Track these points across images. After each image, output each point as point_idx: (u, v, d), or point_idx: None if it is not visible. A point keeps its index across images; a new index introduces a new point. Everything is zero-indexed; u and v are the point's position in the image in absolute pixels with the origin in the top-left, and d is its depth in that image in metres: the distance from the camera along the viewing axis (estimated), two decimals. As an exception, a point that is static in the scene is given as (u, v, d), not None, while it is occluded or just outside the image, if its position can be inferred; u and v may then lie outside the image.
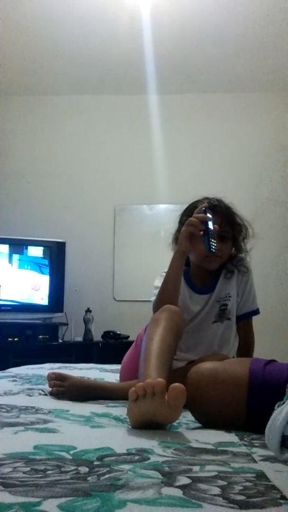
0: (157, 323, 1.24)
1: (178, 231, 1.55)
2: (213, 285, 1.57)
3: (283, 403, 0.63)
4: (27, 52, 3.47)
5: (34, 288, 3.47)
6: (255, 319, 1.62)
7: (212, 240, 1.39)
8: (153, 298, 1.51)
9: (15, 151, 4.02)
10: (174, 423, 1.01)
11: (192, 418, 1.03)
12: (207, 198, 1.57)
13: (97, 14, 3.03)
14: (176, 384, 0.88)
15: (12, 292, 3.41)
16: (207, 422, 0.98)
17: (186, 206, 1.63)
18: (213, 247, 1.39)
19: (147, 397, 0.87)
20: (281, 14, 3.03)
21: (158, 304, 1.40)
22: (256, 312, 1.61)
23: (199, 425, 0.99)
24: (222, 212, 1.53)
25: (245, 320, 1.60)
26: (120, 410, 1.12)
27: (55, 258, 3.53)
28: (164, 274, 1.55)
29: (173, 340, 1.22)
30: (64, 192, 3.95)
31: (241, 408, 0.91)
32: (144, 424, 0.90)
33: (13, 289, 3.41)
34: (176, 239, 1.57)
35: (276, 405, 0.64)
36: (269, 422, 0.62)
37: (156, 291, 1.50)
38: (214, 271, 1.58)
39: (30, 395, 1.31)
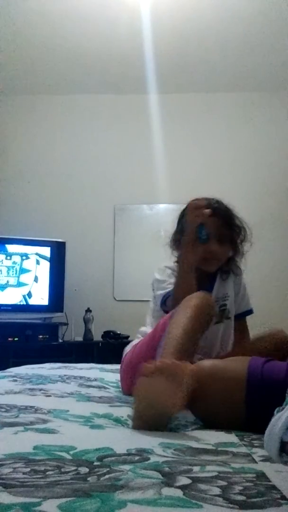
0: (185, 311, 1.22)
1: (177, 232, 1.56)
2: (211, 286, 1.57)
3: (282, 408, 0.63)
4: (26, 51, 3.47)
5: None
6: (256, 318, 1.64)
7: (203, 231, 1.42)
8: (158, 292, 1.50)
9: (15, 150, 4.02)
10: (172, 425, 1.01)
11: (192, 419, 1.03)
12: (206, 199, 1.55)
13: (97, 13, 3.03)
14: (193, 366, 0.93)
15: (12, 292, 3.41)
16: (206, 419, 0.98)
17: (186, 206, 1.62)
18: (204, 236, 1.42)
19: (161, 376, 0.90)
20: (281, 13, 3.03)
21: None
22: (250, 311, 1.63)
23: (199, 425, 0.99)
24: (221, 213, 1.52)
25: (240, 320, 1.61)
26: (121, 410, 1.12)
27: (55, 258, 3.53)
28: (165, 267, 1.56)
29: (198, 331, 1.21)
30: (64, 192, 3.95)
31: (239, 405, 0.92)
32: (147, 405, 0.90)
33: (13, 289, 3.41)
34: (175, 241, 1.57)
35: (276, 411, 0.64)
36: (268, 428, 0.62)
37: (160, 285, 1.50)
38: (211, 273, 1.58)
39: (31, 395, 1.31)
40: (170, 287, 1.49)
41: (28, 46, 3.41)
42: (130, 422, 0.99)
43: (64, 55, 3.51)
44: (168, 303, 1.47)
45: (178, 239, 1.56)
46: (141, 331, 1.60)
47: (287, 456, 0.61)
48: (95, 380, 1.61)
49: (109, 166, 3.97)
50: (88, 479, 0.54)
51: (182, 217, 1.57)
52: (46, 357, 2.87)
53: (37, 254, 3.52)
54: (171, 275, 1.55)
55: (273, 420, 0.62)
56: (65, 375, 1.73)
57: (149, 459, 0.65)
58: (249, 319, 1.68)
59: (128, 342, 1.67)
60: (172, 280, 1.51)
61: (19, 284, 3.45)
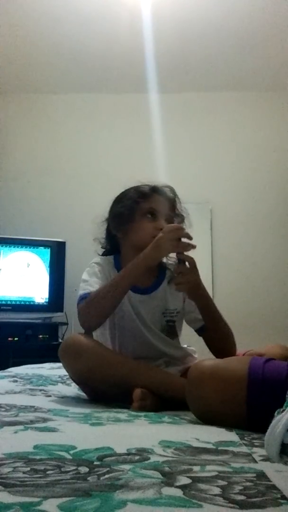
0: None
1: (125, 214, 1.44)
2: (153, 286, 1.44)
3: (283, 410, 0.63)
4: (27, 50, 3.47)
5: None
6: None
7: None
8: (80, 292, 1.38)
9: (15, 150, 4.02)
10: (174, 419, 1.01)
11: (193, 417, 1.03)
12: (147, 185, 1.49)
13: (98, 12, 3.03)
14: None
15: (12, 292, 3.41)
16: (206, 419, 0.98)
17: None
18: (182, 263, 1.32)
19: None
20: (282, 12, 3.03)
21: (90, 313, 1.30)
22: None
23: (199, 423, 0.99)
24: (170, 197, 1.47)
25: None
26: (120, 409, 1.12)
27: (55, 258, 3.53)
28: (95, 265, 1.45)
29: None
30: (64, 191, 3.95)
31: (240, 405, 0.92)
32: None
33: (13, 289, 3.42)
34: (118, 225, 1.46)
35: (276, 412, 0.64)
36: (269, 430, 0.62)
37: (85, 285, 1.38)
38: (152, 270, 1.45)
39: (31, 395, 1.31)
40: (90, 288, 1.37)
41: (29, 46, 3.41)
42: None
43: (65, 55, 3.51)
44: (83, 302, 1.33)
45: (123, 223, 1.46)
46: None
47: (287, 457, 0.61)
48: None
49: (110, 166, 3.97)
50: (88, 478, 0.54)
51: (120, 201, 1.48)
52: (46, 357, 2.86)
53: (37, 254, 3.52)
54: (100, 271, 1.44)
55: (273, 421, 0.62)
56: (65, 375, 1.73)
57: (149, 458, 0.65)
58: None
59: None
60: (97, 278, 1.40)
61: (19, 284, 3.44)
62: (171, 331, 1.45)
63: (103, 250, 1.61)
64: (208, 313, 1.39)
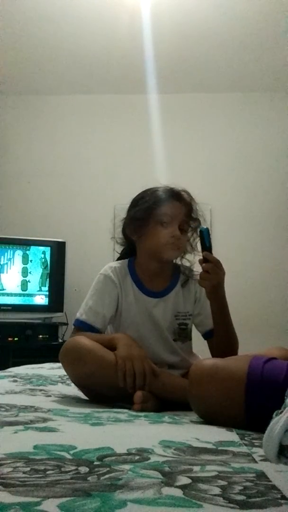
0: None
1: (140, 218, 1.40)
2: (166, 289, 1.44)
3: (281, 412, 0.63)
4: (26, 51, 3.47)
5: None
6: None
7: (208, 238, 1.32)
8: (79, 316, 1.39)
9: (15, 150, 4.02)
10: (174, 419, 1.01)
11: (194, 416, 1.03)
12: (164, 189, 1.45)
13: (97, 14, 3.03)
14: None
15: (12, 292, 3.41)
16: (208, 418, 0.99)
17: (144, 192, 1.49)
18: (208, 244, 1.32)
19: None
20: (282, 13, 3.03)
21: (69, 367, 1.28)
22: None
23: (200, 423, 0.99)
24: (186, 201, 1.45)
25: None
26: (121, 410, 1.12)
27: (55, 258, 3.53)
28: (103, 278, 1.43)
29: None
30: (64, 191, 3.95)
31: (239, 404, 0.92)
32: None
33: (13, 289, 3.41)
34: (135, 227, 1.42)
35: (274, 414, 0.64)
36: (267, 432, 0.62)
37: (86, 309, 1.38)
38: (167, 274, 1.46)
39: (31, 395, 1.31)
40: (90, 317, 1.37)
41: (28, 47, 3.41)
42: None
43: (64, 55, 3.51)
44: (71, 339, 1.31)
45: (138, 225, 1.43)
46: None
47: (286, 459, 0.61)
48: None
49: (109, 166, 3.97)
50: (88, 478, 0.54)
51: (137, 204, 1.45)
52: (46, 357, 2.86)
53: (37, 254, 3.52)
54: (103, 292, 1.40)
55: (271, 423, 0.62)
56: (65, 375, 1.73)
57: (149, 458, 0.65)
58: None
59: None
60: (99, 301, 1.39)
61: (19, 284, 3.44)
62: (184, 334, 1.44)
63: (122, 248, 1.61)
64: (221, 317, 1.38)
